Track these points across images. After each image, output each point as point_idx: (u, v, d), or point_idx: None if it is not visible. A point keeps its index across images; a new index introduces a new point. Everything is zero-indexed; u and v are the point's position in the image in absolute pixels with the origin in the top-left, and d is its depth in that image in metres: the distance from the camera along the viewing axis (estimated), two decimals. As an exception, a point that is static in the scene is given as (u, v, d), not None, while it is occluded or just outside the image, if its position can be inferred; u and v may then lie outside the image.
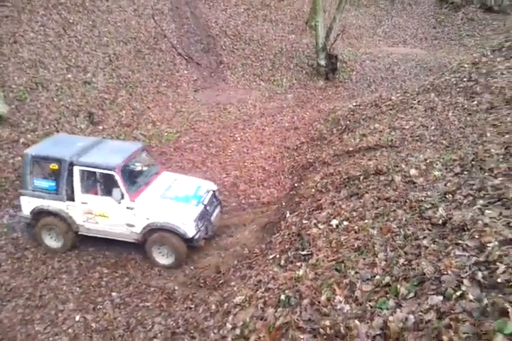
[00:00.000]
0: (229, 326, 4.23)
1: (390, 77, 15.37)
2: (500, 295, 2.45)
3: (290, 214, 6.94)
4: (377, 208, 5.13)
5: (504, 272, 2.59)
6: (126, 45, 16.35)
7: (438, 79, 9.67)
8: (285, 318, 3.43)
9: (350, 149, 8.33)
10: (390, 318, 2.69)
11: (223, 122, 14.01)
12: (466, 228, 3.43)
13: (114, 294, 7.36)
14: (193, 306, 6.91)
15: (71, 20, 15.28)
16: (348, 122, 10.50)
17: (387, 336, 2.62)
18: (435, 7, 19.22)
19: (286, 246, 5.69)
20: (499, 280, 2.55)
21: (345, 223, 5.08)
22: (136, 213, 7.79)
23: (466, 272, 2.79)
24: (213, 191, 8.63)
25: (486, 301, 2.44)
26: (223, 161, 11.88)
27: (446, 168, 5.36)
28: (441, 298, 2.67)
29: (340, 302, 3.21)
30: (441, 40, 17.83)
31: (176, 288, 7.49)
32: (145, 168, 8.86)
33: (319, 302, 3.39)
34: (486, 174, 4.53)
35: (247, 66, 16.61)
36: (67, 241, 8.29)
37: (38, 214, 8.23)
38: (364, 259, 3.83)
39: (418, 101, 8.99)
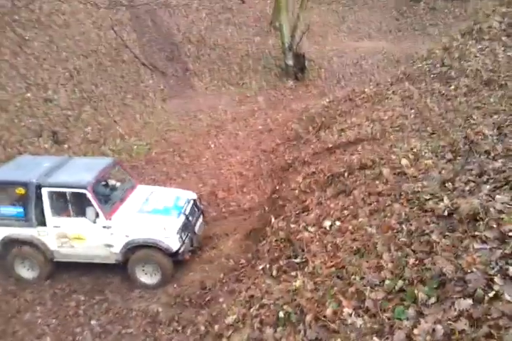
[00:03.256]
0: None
1: (358, 72, 15.17)
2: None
3: (275, 218, 6.49)
4: (370, 204, 4.74)
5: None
6: (87, 59, 15.77)
7: (410, 68, 9.43)
8: (287, 339, 2.96)
9: (330, 146, 7.96)
10: (415, 331, 2.26)
11: (195, 130, 13.55)
12: (478, 217, 3.05)
13: (93, 322, 6.80)
14: (180, 328, 6.41)
15: (27, 37, 14.68)
16: (323, 119, 10.16)
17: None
18: (396, -1, 19.26)
19: (276, 254, 5.24)
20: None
21: (338, 223, 4.68)
22: (114, 232, 7.26)
23: (494, 268, 2.40)
24: (194, 200, 8.18)
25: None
26: (198, 170, 11.42)
27: (436, 156, 5.02)
28: (470, 301, 2.27)
29: (350, 315, 2.77)
30: (406, 32, 17.82)
31: (160, 309, 6.94)
32: (119, 184, 8.36)
33: (325, 316, 2.95)
34: (483, 157, 4.20)
35: (214, 71, 16.19)
36: (43, 270, 7.68)
37: (8, 244, 7.59)
38: (367, 262, 3.42)
39: (393, 92, 8.70)
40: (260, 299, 4.07)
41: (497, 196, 3.20)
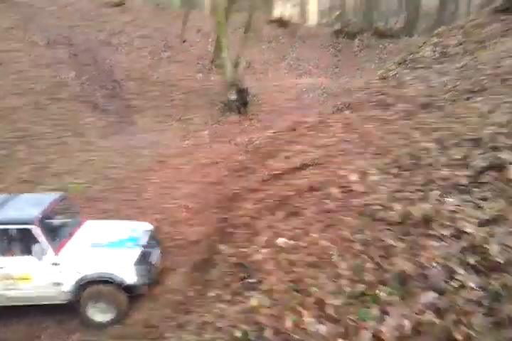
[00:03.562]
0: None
1: (300, 106, 15.59)
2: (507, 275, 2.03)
3: (224, 246, 6.28)
4: (322, 221, 4.68)
5: (500, 252, 2.19)
6: (24, 97, 15.30)
7: (349, 98, 9.80)
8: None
9: (277, 172, 7.95)
10: (381, 328, 2.15)
11: (137, 166, 13.20)
12: (431, 219, 3.06)
13: (29, 373, 6.13)
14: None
15: (-42, 75, 14.13)
16: (268, 149, 10.23)
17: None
18: (332, 37, 20.30)
19: (228, 279, 5.01)
20: (498, 259, 2.13)
21: (291, 242, 4.56)
22: (63, 268, 6.75)
23: (454, 261, 2.36)
24: (150, 231, 7.86)
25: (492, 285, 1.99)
26: (141, 206, 11.00)
27: (382, 172, 5.10)
28: (434, 294, 2.20)
29: (312, 324, 2.61)
30: (343, 68, 18.70)
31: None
32: (67, 219, 7.91)
33: (286, 329, 2.77)
34: (429, 168, 4.30)
35: (156, 108, 16.10)
36: None
37: None
38: (324, 273, 3.30)
39: (335, 120, 8.95)
40: (214, 323, 3.81)
41: (447, 199, 3.25)
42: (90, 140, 14.86)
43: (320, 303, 2.85)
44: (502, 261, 2.13)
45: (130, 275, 6.80)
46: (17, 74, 15.82)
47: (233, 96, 15.25)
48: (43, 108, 15.29)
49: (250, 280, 4.12)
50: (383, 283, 2.63)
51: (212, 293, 5.02)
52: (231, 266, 5.34)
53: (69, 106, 15.82)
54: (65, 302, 6.95)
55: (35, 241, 6.66)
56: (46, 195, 8.12)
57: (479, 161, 3.80)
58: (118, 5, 21.99)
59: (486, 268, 2.19)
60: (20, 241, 6.95)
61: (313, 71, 18.73)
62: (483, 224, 2.62)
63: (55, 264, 6.74)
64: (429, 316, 2.08)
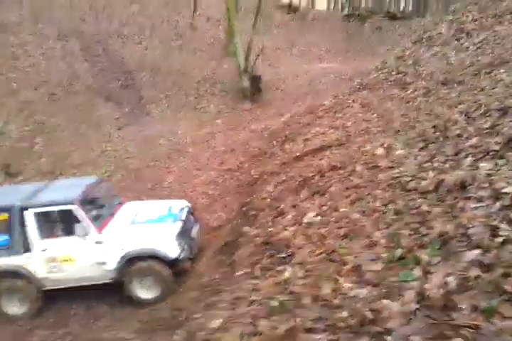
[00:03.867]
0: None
1: (313, 91, 15.51)
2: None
3: (249, 228, 6.30)
4: (349, 196, 4.66)
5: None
6: (38, 90, 15.44)
7: (366, 78, 9.70)
8: (287, 324, 2.76)
9: (297, 155, 7.94)
10: (426, 286, 2.14)
11: (155, 156, 13.32)
12: (466, 184, 3.03)
13: (58, 357, 6.26)
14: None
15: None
16: (286, 133, 10.22)
17: (430, 307, 2.06)
18: (343, 21, 20.09)
19: (256, 258, 5.01)
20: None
21: (319, 218, 4.55)
22: (107, 247, 6.86)
23: (495, 219, 2.34)
24: (188, 207, 8.02)
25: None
26: (161, 194, 11.13)
27: (408, 146, 5.05)
28: (478, 251, 2.18)
29: (351, 289, 2.62)
30: (354, 52, 18.52)
31: (131, 336, 6.47)
32: (107, 200, 8.00)
33: (324, 296, 2.78)
34: (457, 139, 4.24)
35: (170, 97, 16.15)
36: (33, 303, 7.08)
37: None
38: (358, 244, 3.29)
39: (353, 100, 8.89)
40: (246, 298, 3.83)
41: (480, 164, 3.21)
42: (106, 131, 14.99)
43: (357, 270, 2.84)
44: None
45: (173, 249, 6.84)
46: (31, 67, 15.94)
47: (246, 84, 15.21)
48: (58, 100, 15.45)
49: (280, 255, 4.13)
50: (423, 247, 2.61)
51: (240, 272, 5.03)
52: (258, 245, 5.34)
53: (83, 98, 15.97)
54: (110, 281, 7.02)
55: (77, 220, 6.74)
56: (83, 179, 8.28)
57: (509, 129, 3.75)
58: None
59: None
60: (62, 222, 7.07)
61: (325, 56, 18.57)
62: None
63: (99, 242, 6.81)
64: (475, 272, 2.06)
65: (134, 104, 16.12)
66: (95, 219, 7.06)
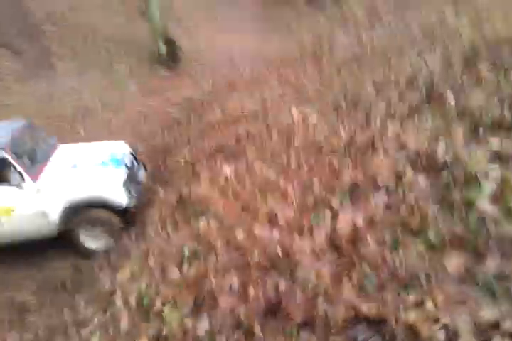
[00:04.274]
0: (118, 302, 3.44)
1: (230, 65, 15.40)
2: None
3: (163, 188, 6.21)
4: (264, 159, 4.79)
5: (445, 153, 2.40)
6: None
7: (284, 54, 9.90)
8: (198, 269, 2.83)
9: (214, 124, 7.94)
10: (336, 226, 2.32)
11: (59, 114, 12.44)
12: (375, 140, 3.26)
13: None
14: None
15: None
16: (203, 103, 10.14)
17: (339, 244, 2.23)
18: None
19: (169, 216, 4.99)
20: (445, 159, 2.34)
21: (233, 177, 4.64)
22: (47, 195, 6.16)
23: (401, 165, 2.56)
24: (129, 149, 7.40)
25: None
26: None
27: (322, 114, 5.27)
28: (384, 193, 2.39)
29: (264, 231, 2.74)
30: (276, 29, 18.62)
31: (29, 298, 6.13)
32: (39, 144, 7.00)
33: (237, 240, 2.88)
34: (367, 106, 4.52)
35: (79, 55, 15.11)
36: None
37: None
38: (273, 197, 3.43)
39: (270, 74, 9.05)
40: (158, 249, 3.84)
41: (389, 125, 3.47)
42: (6, 84, 13.76)
43: (271, 216, 2.97)
44: (449, 160, 2.36)
45: (122, 197, 6.27)
46: None
47: (163, 50, 14.74)
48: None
49: (196, 209, 4.16)
50: (333, 195, 2.79)
51: (151, 227, 5.01)
52: (171, 203, 5.32)
53: (-20, 50, 14.45)
54: (53, 235, 6.32)
55: (9, 168, 6.04)
56: (9, 122, 7.35)
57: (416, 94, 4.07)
58: None
59: (433, 168, 2.41)
60: None
61: (245, 30, 18.50)
62: (425, 138, 2.86)
63: (37, 191, 6.14)
64: (381, 211, 2.26)
65: (39, 58, 14.90)
66: (30, 165, 6.29)
